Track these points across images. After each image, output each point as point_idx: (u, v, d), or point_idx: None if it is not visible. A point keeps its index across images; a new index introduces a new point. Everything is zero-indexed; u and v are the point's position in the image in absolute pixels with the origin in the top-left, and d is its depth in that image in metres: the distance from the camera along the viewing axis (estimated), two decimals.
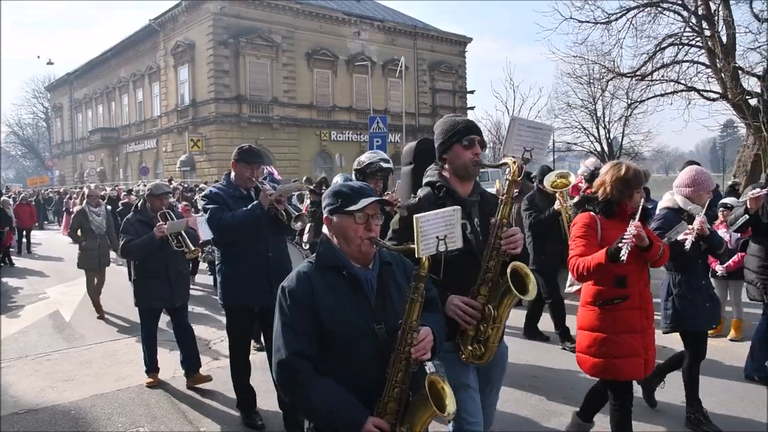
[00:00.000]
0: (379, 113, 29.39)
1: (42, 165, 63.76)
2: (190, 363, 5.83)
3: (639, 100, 20.33)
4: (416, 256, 2.25)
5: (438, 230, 2.31)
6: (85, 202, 9.51)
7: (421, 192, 2.95)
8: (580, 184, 7.50)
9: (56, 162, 58.19)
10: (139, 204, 6.00)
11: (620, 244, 3.18)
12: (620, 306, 3.48)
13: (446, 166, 2.94)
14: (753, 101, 15.50)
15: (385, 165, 4.77)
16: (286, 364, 2.20)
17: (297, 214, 4.51)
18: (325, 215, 2.37)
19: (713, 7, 16.21)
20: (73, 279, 12.68)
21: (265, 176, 13.44)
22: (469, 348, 2.69)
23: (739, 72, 15.84)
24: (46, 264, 15.52)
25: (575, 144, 34.48)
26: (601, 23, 17.58)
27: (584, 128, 33.38)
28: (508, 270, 2.55)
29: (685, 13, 16.89)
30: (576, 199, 4.97)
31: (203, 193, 4.32)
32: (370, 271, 2.35)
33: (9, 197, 19.55)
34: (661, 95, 18.44)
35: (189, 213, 10.83)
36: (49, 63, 49.64)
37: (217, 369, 6.30)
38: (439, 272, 2.42)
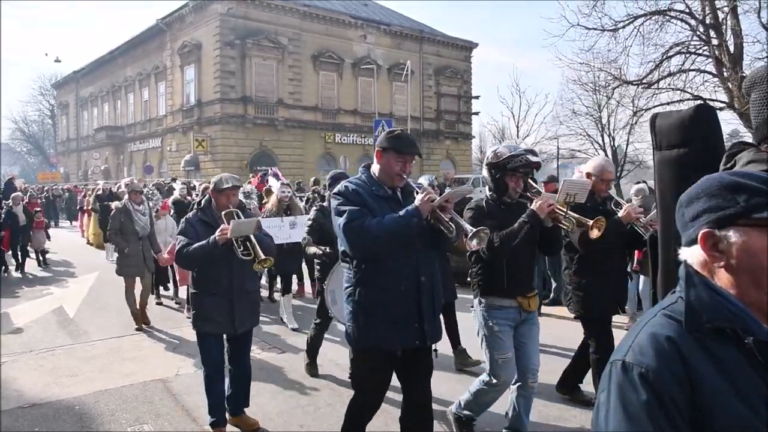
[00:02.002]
0: (383, 117, 29.47)
1: (47, 162, 63.86)
2: (238, 402, 4.73)
3: (645, 108, 20.29)
4: None
5: None
6: (126, 198, 8.23)
7: None
8: None
9: (61, 159, 58.31)
10: (202, 201, 4.81)
11: None
12: None
13: None
14: None
15: (533, 159, 3.90)
16: None
17: (476, 229, 3.27)
18: (701, 231, 1.30)
19: (721, 16, 16.20)
20: (78, 275, 12.72)
21: (271, 176, 13.12)
22: None
23: None
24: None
25: (579, 151, 34.45)
26: (609, 30, 17.56)
27: (589, 135, 33.38)
28: None
29: (692, 22, 16.88)
30: None
31: (335, 190, 3.41)
32: None
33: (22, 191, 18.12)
34: (667, 104, 18.40)
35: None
36: (57, 61, 49.77)
37: None
38: None
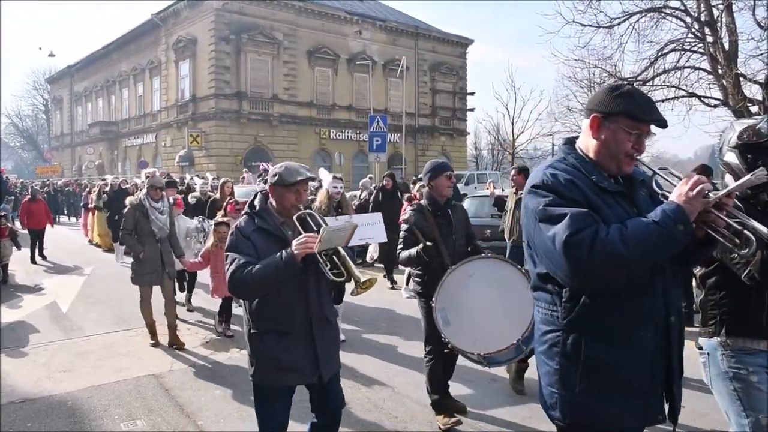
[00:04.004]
0: (379, 113, 29.40)
1: (40, 157, 63.62)
2: None
3: None
4: None
5: None
6: (143, 193, 7.12)
7: None
8: None
9: (54, 154, 58.07)
10: (255, 202, 3.29)
11: None
12: None
13: None
14: (754, 108, 15.53)
15: None
16: None
17: None
18: None
19: (716, 13, 16.22)
20: (71, 270, 12.67)
21: (260, 173, 13.05)
22: None
23: (741, 79, 15.86)
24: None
25: None
26: (604, 27, 17.56)
27: None
28: None
29: (687, 19, 16.89)
30: None
31: (535, 182, 2.23)
32: None
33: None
34: (662, 101, 18.40)
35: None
36: (51, 55, 49.74)
37: (215, 362, 6.32)
38: None
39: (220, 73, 33.81)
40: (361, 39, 39.14)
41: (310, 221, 3.18)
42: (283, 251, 2.97)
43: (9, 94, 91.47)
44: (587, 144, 2.30)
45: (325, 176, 8.05)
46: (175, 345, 6.79)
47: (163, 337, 6.98)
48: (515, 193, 8.62)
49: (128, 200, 7.18)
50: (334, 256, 3.08)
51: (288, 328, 3.12)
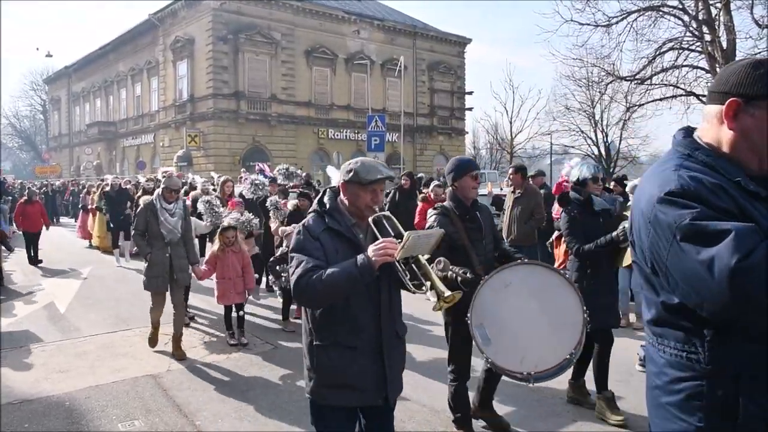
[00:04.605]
0: (377, 112, 29.42)
1: (38, 157, 63.52)
2: None
3: (638, 103, 20.35)
4: None
5: None
6: (157, 193, 6.75)
7: None
8: (565, 184, 7.57)
9: (53, 155, 57.97)
10: (325, 200, 2.95)
11: None
12: None
13: None
14: None
15: None
16: None
17: None
18: None
19: (714, 12, 16.26)
20: (68, 272, 12.64)
21: (257, 173, 12.98)
22: None
23: None
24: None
25: (573, 147, 34.57)
26: (602, 26, 17.60)
27: (582, 131, 33.54)
28: None
29: (685, 18, 16.93)
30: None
31: (670, 188, 1.68)
32: None
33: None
34: (660, 99, 18.48)
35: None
36: (48, 55, 49.47)
37: (213, 362, 6.32)
38: None
39: (218, 73, 33.78)
40: (359, 38, 39.12)
41: (386, 225, 2.86)
42: (358, 257, 2.63)
43: (7, 95, 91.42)
44: (718, 136, 1.80)
45: (334, 175, 7.83)
46: (177, 355, 6.46)
47: (164, 341, 6.95)
48: (513, 192, 8.62)
49: (142, 200, 6.93)
50: (413, 265, 2.73)
51: (355, 342, 2.79)
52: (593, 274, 4.68)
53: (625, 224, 4.49)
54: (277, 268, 7.27)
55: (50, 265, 13.40)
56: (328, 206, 2.89)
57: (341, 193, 2.93)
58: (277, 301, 8.68)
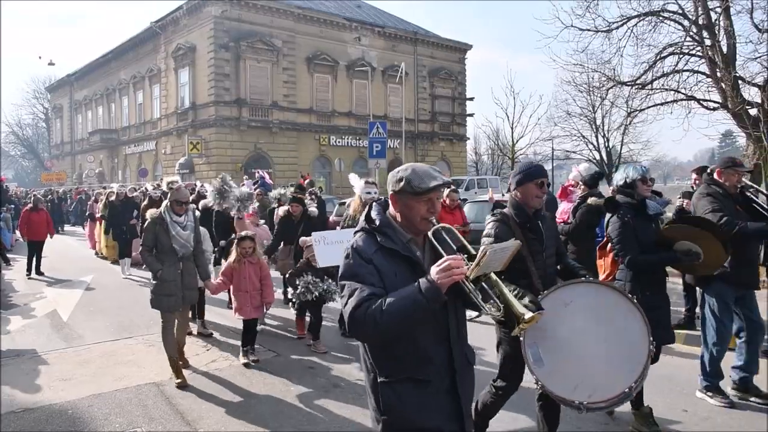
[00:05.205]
0: (378, 119, 29.44)
1: (41, 165, 63.68)
2: None
3: (639, 108, 20.33)
4: None
5: None
6: (165, 205, 6.34)
7: None
8: (570, 188, 7.56)
9: (55, 163, 58.10)
10: (373, 215, 2.57)
11: None
12: None
13: None
14: (753, 111, 15.54)
15: None
16: None
17: None
18: None
19: (714, 17, 16.26)
20: (72, 280, 12.65)
21: (256, 180, 12.95)
22: None
23: (740, 82, 15.89)
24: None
25: (574, 152, 34.59)
26: (602, 31, 17.60)
27: (583, 136, 33.58)
28: None
29: (685, 23, 16.92)
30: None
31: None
32: None
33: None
34: (661, 104, 18.45)
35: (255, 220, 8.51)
36: (50, 64, 49.77)
37: (216, 369, 6.32)
38: None
39: (219, 80, 33.86)
40: (359, 45, 39.21)
41: (447, 238, 2.49)
42: (421, 281, 2.26)
43: (9, 103, 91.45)
44: None
45: (356, 182, 7.35)
46: (180, 381, 6.01)
47: None
48: None
49: (149, 213, 6.50)
50: (484, 284, 2.39)
51: (427, 375, 2.44)
52: (651, 286, 4.38)
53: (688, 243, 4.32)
54: (297, 281, 6.87)
55: (54, 274, 13.40)
56: (378, 222, 2.51)
57: (391, 206, 2.56)
58: (279, 309, 8.69)
